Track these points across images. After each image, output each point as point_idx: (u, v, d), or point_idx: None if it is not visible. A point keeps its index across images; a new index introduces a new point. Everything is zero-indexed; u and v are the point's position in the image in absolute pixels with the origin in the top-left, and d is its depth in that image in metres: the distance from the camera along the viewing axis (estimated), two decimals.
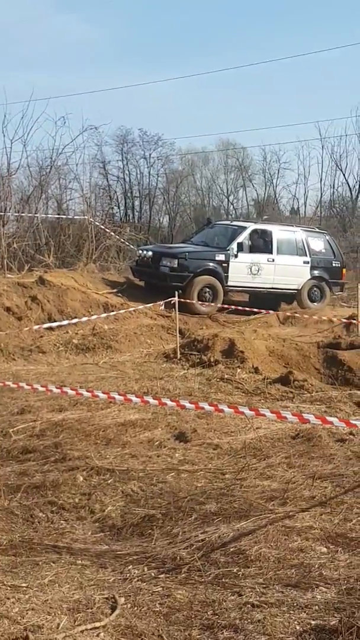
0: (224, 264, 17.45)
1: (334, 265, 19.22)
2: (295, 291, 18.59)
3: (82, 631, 3.85)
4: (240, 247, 17.68)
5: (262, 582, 4.57)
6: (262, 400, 9.75)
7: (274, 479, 6.59)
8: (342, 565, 4.83)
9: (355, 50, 73.24)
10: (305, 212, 44.40)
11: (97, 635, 3.81)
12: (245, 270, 17.71)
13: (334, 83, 67.50)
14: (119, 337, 13.89)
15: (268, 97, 66.93)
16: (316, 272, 18.82)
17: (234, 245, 17.67)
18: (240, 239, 17.88)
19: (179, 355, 12.54)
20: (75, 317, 14.30)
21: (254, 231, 18.44)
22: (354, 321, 15.21)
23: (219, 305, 17.32)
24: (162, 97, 61.84)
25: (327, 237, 19.75)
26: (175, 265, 17.08)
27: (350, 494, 6.17)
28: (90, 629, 3.88)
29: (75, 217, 23.65)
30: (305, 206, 45.56)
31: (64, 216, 23.49)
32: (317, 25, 68.46)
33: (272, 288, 18.25)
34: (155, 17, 66.28)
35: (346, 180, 43.99)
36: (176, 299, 13.93)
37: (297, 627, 4.01)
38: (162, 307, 15.78)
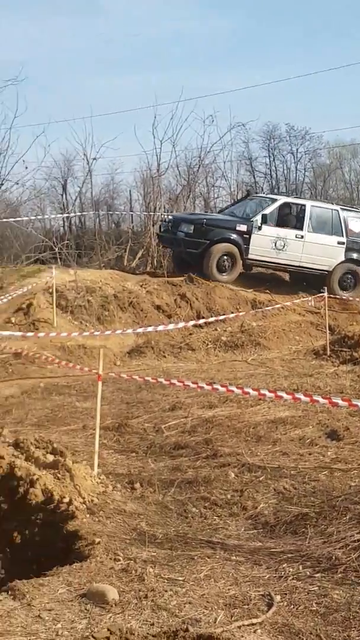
0: (245, 235, 16.42)
1: None
2: (326, 272, 17.16)
3: (239, 627, 3.88)
4: (264, 219, 16.55)
5: None
6: None
7: None
8: None
9: None
10: None
11: (254, 632, 3.83)
12: (269, 244, 16.62)
13: None
14: (267, 334, 13.88)
15: None
16: (353, 255, 17.24)
17: (258, 217, 16.58)
18: (266, 210, 16.80)
19: (328, 352, 12.39)
20: (224, 314, 14.39)
21: (285, 204, 17.34)
22: None
23: (236, 275, 16.61)
24: (310, 90, 60.98)
25: None
26: (191, 231, 16.31)
27: None
28: (247, 625, 3.91)
29: None
30: None
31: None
32: None
33: (299, 266, 17.07)
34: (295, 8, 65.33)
35: None
36: (325, 295, 13.75)
37: None
38: (311, 303, 15.62)
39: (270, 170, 44.12)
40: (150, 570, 4.63)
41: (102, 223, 25.72)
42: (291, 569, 4.74)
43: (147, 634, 3.76)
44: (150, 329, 12.08)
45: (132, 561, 4.81)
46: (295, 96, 60.05)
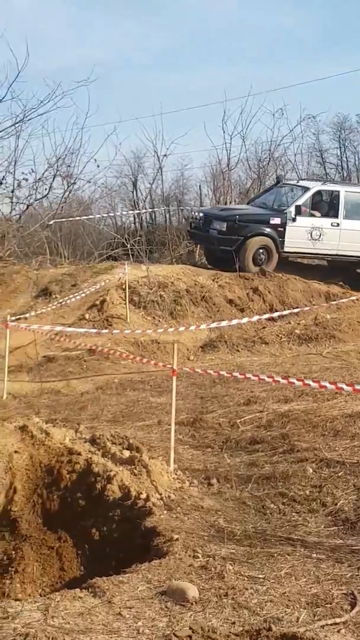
0: (279, 228, 15.86)
1: None
2: None
3: (322, 626, 3.81)
4: (298, 210, 15.95)
5: None
6: None
7: None
8: None
9: None
10: None
11: (338, 632, 3.76)
12: (304, 235, 16.02)
13: None
14: (342, 327, 13.65)
15: None
16: None
17: (292, 209, 15.97)
18: (300, 201, 16.17)
19: None
20: (297, 307, 14.23)
21: (318, 193, 16.70)
22: None
23: (273, 267, 15.95)
24: None
25: None
26: (224, 229, 15.81)
27: None
28: (331, 625, 3.84)
29: None
30: None
31: None
32: None
33: (336, 255, 16.47)
34: None
35: None
36: None
37: None
38: None
39: (342, 162, 43.42)
40: (229, 568, 4.59)
41: (172, 218, 25.73)
42: None
43: (230, 632, 3.72)
44: (224, 323, 12.03)
45: (211, 558, 4.77)
46: None
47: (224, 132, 22.92)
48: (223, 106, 25.02)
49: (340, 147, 43.42)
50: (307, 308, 14.24)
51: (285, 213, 16.04)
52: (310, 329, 13.60)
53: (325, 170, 41.54)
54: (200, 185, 28.39)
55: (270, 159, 24.06)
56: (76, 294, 13.49)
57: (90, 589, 4.36)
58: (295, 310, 13.90)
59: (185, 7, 57.11)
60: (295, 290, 15.53)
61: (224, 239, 15.88)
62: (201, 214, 17.25)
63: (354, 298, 14.84)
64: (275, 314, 13.71)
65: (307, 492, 6.10)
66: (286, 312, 13.81)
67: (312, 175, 30.64)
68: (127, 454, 6.44)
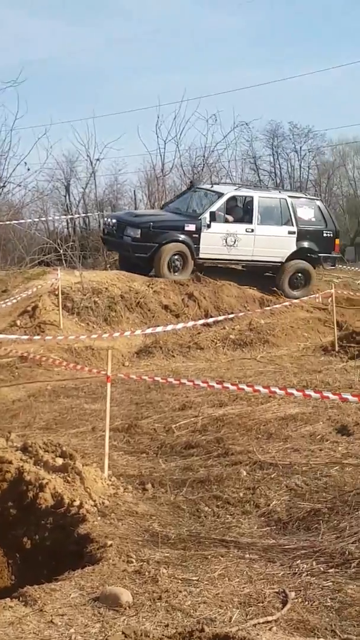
0: (194, 235, 15.79)
1: (325, 235, 16.99)
2: (279, 264, 16.70)
3: (254, 625, 3.84)
4: (213, 216, 15.93)
5: None
6: None
7: None
8: None
9: None
10: None
11: (270, 630, 3.79)
12: (219, 241, 15.98)
13: None
14: (275, 332, 13.82)
15: None
16: (304, 244, 16.79)
17: (207, 215, 15.93)
18: (214, 207, 16.11)
19: (337, 348, 12.33)
20: (232, 313, 14.35)
21: (232, 198, 16.67)
22: None
23: (189, 273, 15.98)
24: (313, 89, 60.87)
25: (318, 204, 17.52)
26: (138, 236, 15.62)
27: None
28: (263, 623, 3.87)
29: None
30: None
31: None
32: None
33: (251, 260, 16.56)
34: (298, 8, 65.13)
35: None
36: (333, 291, 13.68)
37: None
38: (319, 299, 15.55)
39: (275, 168, 44.06)
40: (163, 571, 4.59)
41: None
42: (305, 565, 4.70)
43: (162, 635, 3.72)
44: (159, 329, 12.01)
45: (145, 563, 4.76)
46: (298, 94, 60.06)
47: (157, 137, 23.08)
48: (157, 111, 25.13)
49: (273, 154, 44.09)
50: (241, 313, 14.39)
51: (200, 219, 15.95)
52: (245, 334, 13.73)
53: (259, 176, 42.09)
54: (134, 191, 28.47)
55: (204, 165, 24.22)
56: (7, 300, 13.32)
57: (20, 598, 4.30)
58: (230, 316, 14.01)
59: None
60: (230, 295, 15.67)
61: (138, 245, 15.69)
62: (114, 220, 16.95)
63: (287, 303, 15.04)
64: (210, 320, 13.79)
65: (241, 495, 6.13)
66: (221, 317, 13.90)
67: (246, 181, 30.96)
68: (60, 461, 6.37)
